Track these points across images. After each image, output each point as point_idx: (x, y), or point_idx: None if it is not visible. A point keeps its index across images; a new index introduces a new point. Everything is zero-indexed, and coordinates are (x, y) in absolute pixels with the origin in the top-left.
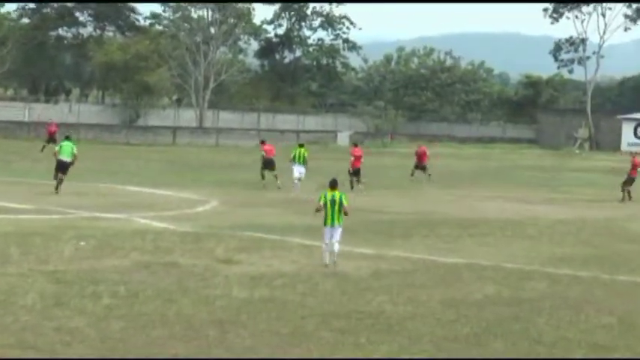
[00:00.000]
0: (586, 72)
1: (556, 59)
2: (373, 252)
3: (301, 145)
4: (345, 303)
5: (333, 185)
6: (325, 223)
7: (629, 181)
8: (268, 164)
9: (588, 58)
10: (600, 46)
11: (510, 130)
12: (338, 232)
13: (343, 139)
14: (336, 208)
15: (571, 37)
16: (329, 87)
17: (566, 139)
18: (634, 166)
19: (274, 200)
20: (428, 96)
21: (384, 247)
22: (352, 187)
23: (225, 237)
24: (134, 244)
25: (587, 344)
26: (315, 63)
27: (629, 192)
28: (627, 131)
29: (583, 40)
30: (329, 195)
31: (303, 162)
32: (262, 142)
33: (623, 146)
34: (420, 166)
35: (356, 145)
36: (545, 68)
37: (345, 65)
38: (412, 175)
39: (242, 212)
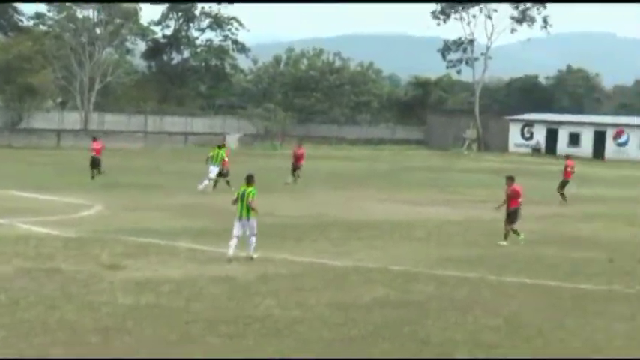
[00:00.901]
0: (474, 73)
1: (444, 59)
2: (261, 255)
3: (220, 147)
4: (232, 307)
5: (249, 181)
6: (237, 216)
7: (562, 183)
8: (95, 163)
9: (476, 59)
10: (488, 48)
11: (400, 131)
12: (251, 226)
13: (232, 141)
14: (245, 202)
15: (459, 39)
16: (218, 89)
17: (455, 139)
18: (566, 169)
19: (161, 204)
20: (317, 97)
21: (273, 250)
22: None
23: (110, 242)
24: (16, 250)
25: (474, 344)
26: (203, 64)
27: (562, 194)
28: (514, 132)
29: (471, 42)
30: (241, 189)
31: (220, 163)
32: (94, 140)
33: (511, 147)
34: (295, 166)
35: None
36: (434, 69)
37: (234, 67)
38: (293, 177)
39: (128, 216)
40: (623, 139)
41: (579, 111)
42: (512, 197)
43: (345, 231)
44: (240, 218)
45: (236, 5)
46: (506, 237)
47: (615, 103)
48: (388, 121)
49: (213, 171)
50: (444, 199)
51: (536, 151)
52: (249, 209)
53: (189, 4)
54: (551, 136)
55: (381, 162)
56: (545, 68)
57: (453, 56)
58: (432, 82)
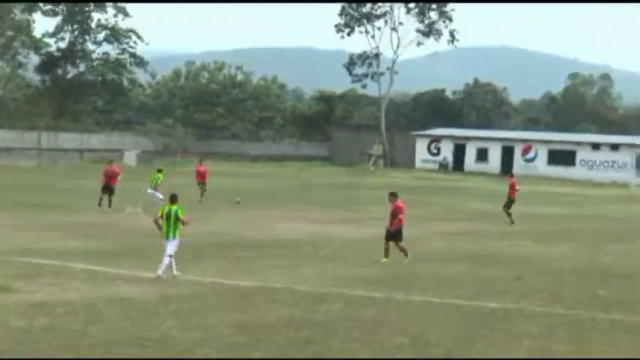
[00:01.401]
0: (380, 87)
1: (350, 74)
2: (154, 276)
3: (159, 171)
4: (130, 329)
5: (173, 200)
6: (164, 237)
7: (508, 202)
8: None
9: (382, 73)
10: (394, 61)
11: (304, 147)
12: (172, 245)
13: (130, 158)
14: (172, 221)
15: (364, 52)
16: (115, 104)
17: (361, 155)
18: (512, 188)
19: (55, 223)
20: (219, 112)
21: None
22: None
23: (1, 263)
24: None
25: None
26: (100, 78)
27: (509, 214)
28: (421, 148)
29: (376, 55)
30: (166, 209)
31: (154, 185)
32: None
33: (418, 163)
34: (200, 182)
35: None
36: (340, 83)
37: (132, 81)
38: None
39: (21, 236)
40: (531, 154)
41: (487, 126)
42: (396, 214)
43: (248, 250)
44: (168, 237)
45: (134, 17)
46: (405, 253)
47: (524, 118)
48: (292, 136)
49: (152, 193)
50: (349, 217)
51: (443, 167)
52: (176, 228)
53: (85, 16)
54: (459, 151)
55: (285, 179)
56: (452, 82)
57: (358, 70)
58: (336, 96)
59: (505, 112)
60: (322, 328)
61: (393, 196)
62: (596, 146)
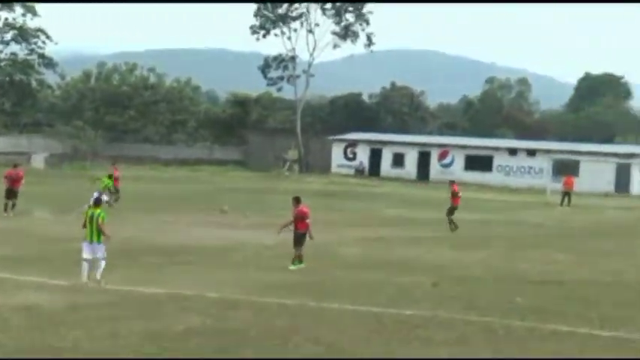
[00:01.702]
0: (296, 90)
1: (265, 77)
2: (69, 283)
3: (109, 177)
4: (37, 339)
5: (96, 203)
6: (85, 238)
7: (451, 209)
8: None
9: (298, 76)
10: (310, 64)
11: (218, 151)
12: (99, 249)
13: (38, 161)
14: (94, 225)
15: (280, 55)
16: (23, 105)
17: (276, 160)
18: (453, 194)
19: None
20: (131, 115)
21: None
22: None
23: None
24: None
25: None
26: (7, 79)
27: (451, 220)
28: (337, 152)
29: (292, 58)
30: (89, 212)
31: (103, 190)
32: None
33: (334, 168)
34: (115, 188)
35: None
36: (255, 86)
37: (41, 82)
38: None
39: None
40: (448, 159)
41: (404, 130)
42: (300, 219)
43: (159, 256)
44: (91, 241)
45: (43, 17)
46: (300, 259)
47: (440, 123)
48: (206, 140)
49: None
50: (262, 223)
51: (359, 172)
52: (99, 232)
53: None
54: (375, 156)
55: (198, 183)
56: (369, 86)
57: (273, 73)
58: (251, 99)
59: (422, 116)
60: (234, 336)
61: (297, 201)
62: (513, 152)
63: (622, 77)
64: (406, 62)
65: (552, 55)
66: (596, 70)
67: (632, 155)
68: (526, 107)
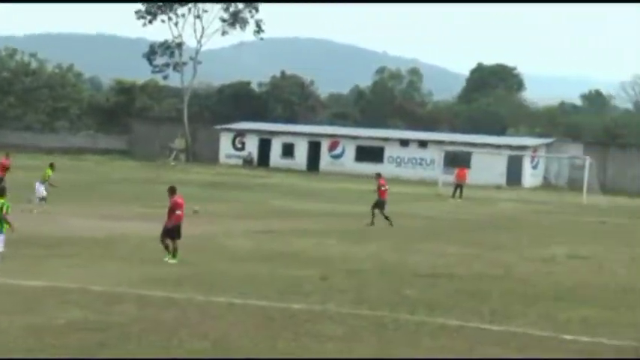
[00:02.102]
0: (182, 78)
1: (151, 64)
2: None
3: (51, 165)
4: None
5: (1, 193)
6: None
7: (378, 203)
8: None
9: (185, 63)
10: (197, 51)
11: (102, 140)
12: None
13: None
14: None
15: (166, 41)
16: None
17: (162, 149)
18: (379, 188)
19: None
20: (10, 102)
21: None
22: None
23: None
24: None
25: None
26: None
27: (383, 215)
28: (225, 142)
29: (179, 45)
30: None
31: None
32: None
33: (222, 158)
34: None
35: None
36: (141, 73)
37: None
38: None
39: None
40: (338, 150)
41: (294, 120)
42: (173, 210)
43: (39, 248)
44: None
45: None
46: (173, 253)
47: (331, 113)
48: (89, 128)
49: (39, 189)
50: (148, 214)
51: (248, 162)
52: (3, 222)
53: None
54: (264, 146)
55: (81, 173)
56: (258, 74)
57: (159, 60)
58: (137, 87)
59: (312, 106)
60: (117, 330)
61: (172, 191)
62: (404, 143)
63: (514, 68)
64: (296, 51)
65: (445, 46)
66: (489, 60)
67: (524, 147)
68: (418, 98)
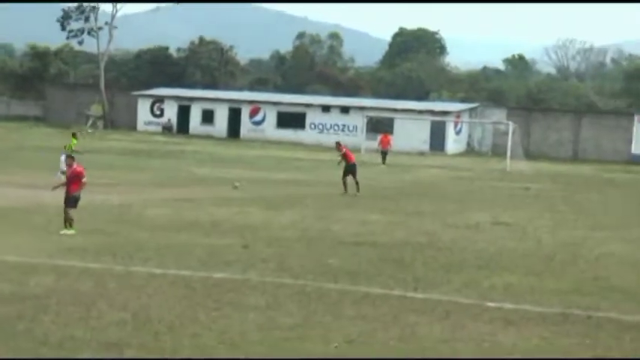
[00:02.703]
0: (98, 44)
1: (64, 29)
2: None
3: (73, 135)
4: None
5: None
6: None
7: (349, 169)
8: None
9: (100, 28)
10: (113, 16)
11: (16, 106)
12: None
13: None
14: None
15: (81, 5)
16: None
17: (78, 116)
18: (343, 156)
19: None
20: None
21: None
22: None
23: None
24: None
25: (98, 343)
26: None
27: (357, 183)
28: (143, 109)
29: (94, 9)
30: None
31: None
32: None
33: (140, 125)
34: None
35: None
36: (55, 38)
37: None
38: None
39: None
40: (259, 117)
41: (213, 86)
42: (73, 180)
43: None
44: None
45: None
46: (69, 224)
47: (252, 78)
48: (2, 95)
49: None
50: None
51: (167, 129)
52: None
53: None
54: (183, 113)
55: None
56: (176, 40)
57: (74, 25)
58: (51, 52)
59: (231, 71)
60: (33, 302)
61: (71, 159)
62: (326, 109)
63: (436, 33)
64: (214, 16)
65: (367, 11)
66: (411, 25)
67: (446, 113)
68: (340, 63)
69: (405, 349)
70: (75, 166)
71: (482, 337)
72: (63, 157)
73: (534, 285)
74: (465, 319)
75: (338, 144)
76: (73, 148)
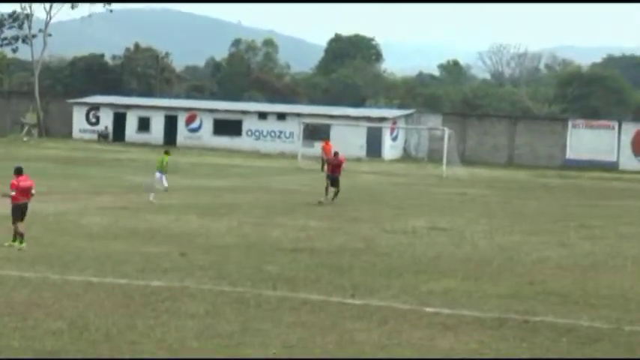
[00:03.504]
0: (32, 51)
1: None
2: None
3: (166, 152)
4: None
5: None
6: None
7: (334, 181)
8: None
9: (35, 35)
10: (47, 23)
11: None
12: None
13: None
14: None
15: (14, 12)
16: None
17: (13, 124)
18: (335, 166)
19: None
20: None
21: None
22: None
23: None
24: None
25: (35, 352)
26: None
27: (336, 192)
28: (79, 116)
29: (27, 16)
30: None
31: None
32: None
33: (76, 133)
34: None
35: None
36: None
37: None
38: None
39: None
40: (195, 124)
41: (149, 94)
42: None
43: None
44: None
45: None
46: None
47: (187, 86)
48: None
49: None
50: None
51: (103, 137)
52: None
53: None
54: (119, 120)
55: None
56: (111, 47)
57: (8, 33)
58: None
59: (168, 79)
60: None
61: (17, 172)
62: (262, 115)
63: (372, 39)
64: (149, 22)
65: (301, 17)
66: (347, 31)
67: (383, 119)
68: (276, 70)
69: (344, 355)
70: (17, 179)
71: (420, 342)
72: (158, 176)
73: (472, 290)
74: (403, 324)
75: (336, 153)
76: (165, 164)
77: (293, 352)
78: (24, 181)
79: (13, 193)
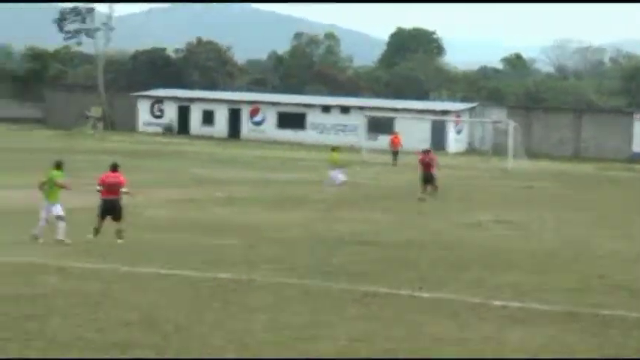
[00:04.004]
0: (96, 45)
1: (62, 30)
2: None
3: (334, 149)
4: None
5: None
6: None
7: (428, 179)
8: None
9: (98, 29)
10: (110, 17)
11: (15, 109)
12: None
13: None
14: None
15: (76, 7)
16: None
17: (78, 118)
18: (427, 164)
19: None
20: None
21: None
22: None
23: None
24: None
25: (106, 344)
26: None
27: (435, 187)
28: (143, 110)
29: (90, 10)
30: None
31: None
32: None
33: (140, 126)
34: None
35: None
36: (53, 40)
37: None
38: None
39: None
40: (259, 117)
41: (212, 87)
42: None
43: None
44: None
45: None
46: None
47: (250, 79)
48: (2, 97)
49: (337, 175)
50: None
51: (168, 130)
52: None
53: None
54: (183, 113)
55: None
56: (173, 41)
57: (70, 26)
58: (49, 54)
59: (230, 72)
60: (42, 303)
61: (112, 167)
62: (326, 109)
63: (433, 32)
64: (211, 16)
65: (363, 11)
66: (408, 25)
67: (446, 112)
68: (339, 64)
69: (412, 349)
70: (106, 174)
71: (488, 336)
72: (334, 172)
73: (540, 283)
74: (472, 317)
75: (427, 151)
76: (338, 160)
77: (361, 344)
78: (112, 178)
79: (99, 189)
